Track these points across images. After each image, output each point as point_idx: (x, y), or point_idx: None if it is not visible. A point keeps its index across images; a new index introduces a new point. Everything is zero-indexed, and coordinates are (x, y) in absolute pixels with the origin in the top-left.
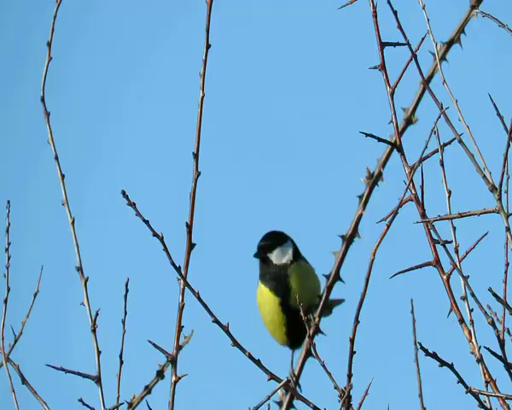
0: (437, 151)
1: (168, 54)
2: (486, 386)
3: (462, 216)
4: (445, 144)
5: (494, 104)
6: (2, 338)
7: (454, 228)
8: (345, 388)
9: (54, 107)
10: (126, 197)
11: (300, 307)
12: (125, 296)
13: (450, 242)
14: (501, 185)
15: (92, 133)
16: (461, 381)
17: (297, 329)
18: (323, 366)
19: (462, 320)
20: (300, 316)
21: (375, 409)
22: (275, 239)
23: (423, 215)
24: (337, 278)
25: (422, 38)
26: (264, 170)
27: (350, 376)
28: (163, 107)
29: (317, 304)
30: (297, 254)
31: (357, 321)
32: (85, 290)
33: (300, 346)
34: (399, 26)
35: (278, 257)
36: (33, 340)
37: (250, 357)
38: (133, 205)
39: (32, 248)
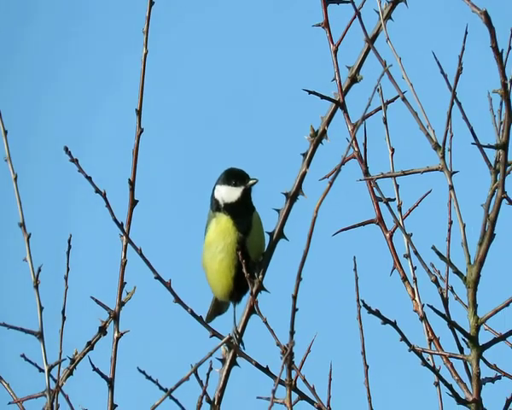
0: (380, 109)
1: (112, 10)
2: (430, 344)
3: (405, 174)
4: (389, 102)
5: (438, 62)
6: None
7: (397, 186)
8: (287, 345)
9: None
10: (69, 153)
11: (243, 263)
12: (68, 252)
13: (394, 199)
14: (444, 143)
15: (35, 89)
16: (404, 339)
17: (243, 279)
18: (266, 323)
19: (405, 278)
20: (244, 271)
21: (317, 366)
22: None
23: (366, 173)
24: (281, 235)
25: None
26: (206, 126)
27: (292, 333)
28: (106, 62)
29: (261, 261)
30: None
31: (299, 278)
32: (28, 246)
33: (240, 299)
34: None
35: (250, 199)
36: None
37: (192, 313)
38: (75, 161)
39: None
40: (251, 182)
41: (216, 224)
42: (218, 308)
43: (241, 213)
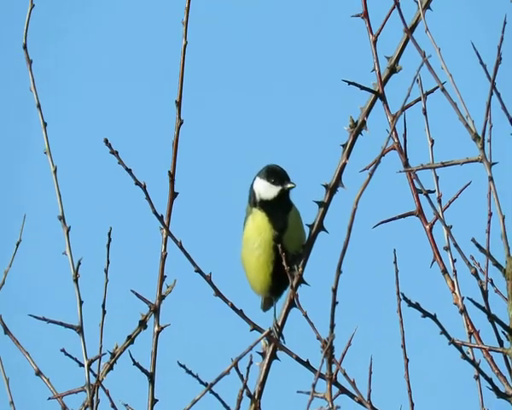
0: (420, 100)
1: (152, 2)
2: (470, 337)
3: (444, 165)
4: (428, 93)
5: (477, 53)
6: None
7: (437, 177)
8: (327, 338)
9: (36, 55)
10: (109, 146)
11: (283, 256)
12: (108, 246)
13: (433, 191)
14: (484, 134)
15: (75, 82)
16: (444, 332)
17: (281, 273)
18: (306, 316)
19: (445, 271)
20: (284, 264)
21: (357, 360)
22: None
23: (406, 164)
24: (320, 227)
25: None
26: (247, 119)
27: (332, 326)
28: (146, 56)
29: (301, 254)
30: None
31: (339, 271)
32: (67, 240)
33: (280, 294)
34: None
35: (289, 198)
36: (16, 290)
37: (232, 307)
38: (115, 153)
39: (14, 197)
40: (289, 185)
41: (252, 220)
42: (269, 299)
43: (277, 210)
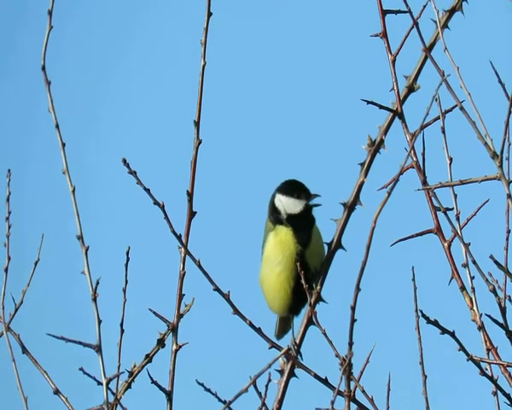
0: (438, 118)
1: (170, 21)
2: (488, 354)
3: (463, 183)
4: (447, 111)
5: (495, 71)
6: (3, 307)
7: (455, 195)
8: (346, 356)
9: (54, 76)
10: (127, 166)
11: (301, 274)
12: (126, 265)
13: (452, 209)
14: (502, 152)
15: (92, 102)
16: (462, 349)
17: (301, 292)
18: (325, 334)
19: (463, 288)
20: (303, 282)
21: (376, 377)
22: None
23: (424, 182)
24: (339, 245)
25: (424, 6)
26: (265, 139)
27: (351, 344)
28: (164, 76)
29: (319, 271)
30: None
31: (358, 289)
32: (86, 259)
33: (299, 312)
34: None
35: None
36: (34, 309)
37: (251, 325)
38: (134, 173)
39: (33, 217)
40: (315, 202)
41: (275, 236)
42: (284, 325)
43: (302, 225)
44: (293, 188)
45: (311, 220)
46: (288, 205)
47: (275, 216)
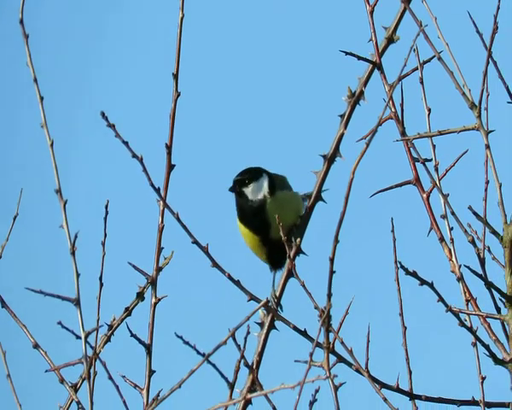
0: (416, 69)
1: None
2: (467, 305)
3: (441, 134)
4: (425, 62)
5: (473, 21)
6: None
7: (434, 146)
8: (325, 307)
9: (33, 29)
10: (106, 119)
11: (280, 227)
12: (105, 218)
13: (430, 160)
14: (480, 102)
15: (71, 55)
16: (441, 300)
17: (279, 253)
18: (304, 286)
19: (442, 239)
20: (282, 242)
21: (355, 329)
22: (250, 174)
23: (403, 133)
24: (318, 198)
25: None
26: (244, 90)
27: (329, 295)
28: (142, 28)
29: (298, 224)
30: (273, 187)
31: (336, 241)
32: (64, 213)
33: (282, 267)
34: None
35: (254, 192)
36: (13, 264)
37: (230, 278)
38: (112, 126)
39: (11, 171)
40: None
41: (239, 228)
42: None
43: (251, 214)
44: (233, 185)
45: (260, 202)
46: (236, 205)
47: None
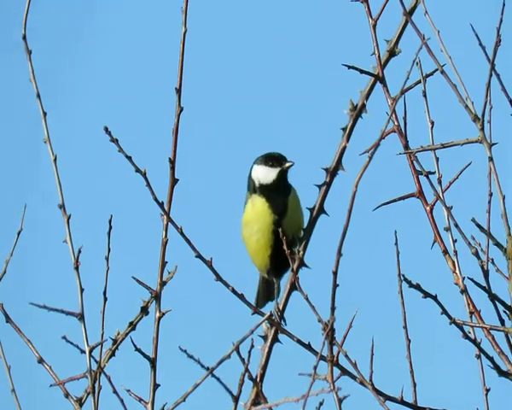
0: (419, 82)
1: None
2: (471, 317)
3: (444, 147)
4: (428, 75)
5: (476, 34)
6: None
7: (437, 159)
8: (328, 321)
9: (35, 44)
10: (109, 133)
11: (283, 240)
12: (109, 233)
13: (434, 173)
14: (483, 115)
15: (74, 70)
16: (445, 312)
17: (281, 256)
18: (307, 299)
19: (445, 251)
20: (285, 247)
21: (359, 342)
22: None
23: (406, 146)
24: (321, 211)
25: None
26: (247, 103)
27: (333, 309)
28: (146, 43)
29: (301, 237)
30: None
31: (339, 254)
32: (68, 228)
33: (280, 275)
34: None
35: (287, 178)
36: (17, 279)
37: (233, 291)
38: (116, 141)
39: (14, 186)
40: (287, 164)
41: (252, 205)
42: (267, 291)
43: (277, 194)
44: (267, 158)
45: (287, 189)
46: (263, 174)
47: (252, 186)
